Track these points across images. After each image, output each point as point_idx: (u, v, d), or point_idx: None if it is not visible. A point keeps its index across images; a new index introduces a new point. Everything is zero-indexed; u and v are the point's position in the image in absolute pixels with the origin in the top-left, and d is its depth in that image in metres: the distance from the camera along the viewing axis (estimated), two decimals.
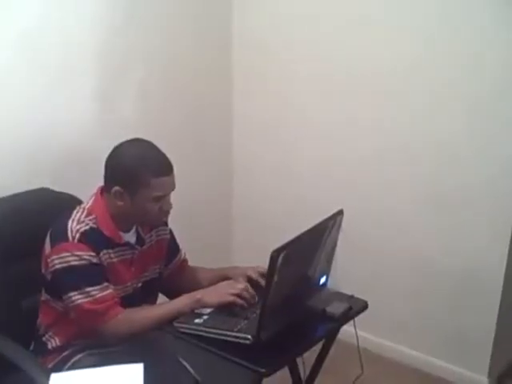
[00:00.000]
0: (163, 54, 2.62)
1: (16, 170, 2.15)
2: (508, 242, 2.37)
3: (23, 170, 2.16)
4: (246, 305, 1.75)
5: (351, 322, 1.87)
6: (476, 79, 2.32)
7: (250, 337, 1.62)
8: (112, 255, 1.79)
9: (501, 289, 2.43)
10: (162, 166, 1.77)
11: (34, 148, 2.20)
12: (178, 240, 2.07)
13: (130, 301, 1.81)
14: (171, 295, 1.92)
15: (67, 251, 1.71)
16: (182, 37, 2.69)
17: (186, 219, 2.34)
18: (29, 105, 2.18)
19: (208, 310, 1.76)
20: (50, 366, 1.79)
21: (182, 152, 2.16)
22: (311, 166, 2.86)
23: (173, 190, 1.81)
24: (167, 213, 1.85)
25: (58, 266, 1.72)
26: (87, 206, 1.81)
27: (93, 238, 1.74)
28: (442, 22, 2.35)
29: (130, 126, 2.40)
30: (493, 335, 2.49)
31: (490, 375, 2.57)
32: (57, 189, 2.06)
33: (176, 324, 1.72)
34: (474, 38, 2.29)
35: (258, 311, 1.66)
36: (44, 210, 1.95)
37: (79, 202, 1.93)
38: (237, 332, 1.65)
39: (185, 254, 2.09)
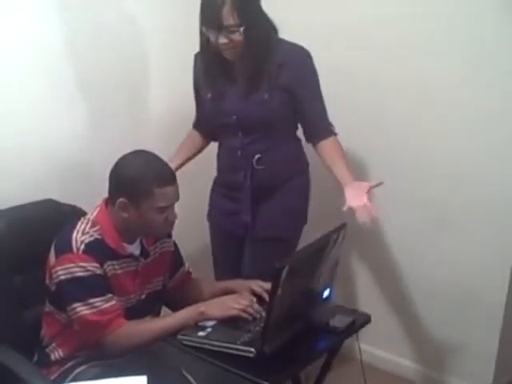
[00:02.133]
0: (163, 58, 2.62)
1: (21, 181, 2.15)
2: None
3: (29, 181, 2.16)
4: (250, 318, 1.75)
5: (354, 335, 1.87)
6: None
7: (253, 350, 1.63)
8: (116, 267, 1.79)
9: (504, 302, 2.42)
10: (166, 176, 1.78)
11: (39, 160, 2.21)
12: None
13: (133, 312, 1.81)
14: (175, 307, 1.92)
15: (72, 262, 1.71)
16: (183, 39, 2.69)
17: (189, 231, 2.34)
18: (34, 118, 2.19)
19: (211, 323, 1.76)
20: (52, 377, 1.79)
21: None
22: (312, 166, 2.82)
23: (177, 200, 1.81)
24: (172, 223, 1.84)
25: (62, 277, 1.73)
26: (92, 217, 1.82)
27: (97, 250, 1.75)
28: None
29: (134, 138, 2.41)
30: (496, 348, 2.48)
31: None
32: (62, 201, 2.07)
33: (179, 336, 1.72)
34: None
35: (262, 324, 1.66)
36: (48, 222, 1.96)
37: (83, 214, 1.93)
38: (240, 345, 1.65)
39: (189, 266, 2.09)
